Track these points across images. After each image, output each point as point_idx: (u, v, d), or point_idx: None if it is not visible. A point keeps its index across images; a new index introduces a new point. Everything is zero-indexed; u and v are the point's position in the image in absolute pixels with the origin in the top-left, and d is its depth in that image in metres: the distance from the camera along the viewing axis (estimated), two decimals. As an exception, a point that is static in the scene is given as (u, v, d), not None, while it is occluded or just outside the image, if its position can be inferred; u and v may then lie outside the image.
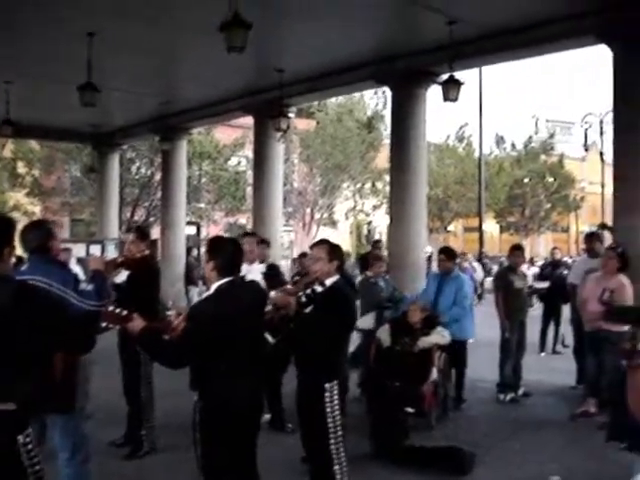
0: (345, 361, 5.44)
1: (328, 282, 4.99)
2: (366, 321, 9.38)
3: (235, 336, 4.14)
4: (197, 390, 4.22)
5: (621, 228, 9.40)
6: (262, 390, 4.66)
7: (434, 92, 12.19)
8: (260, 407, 4.49)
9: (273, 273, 7.99)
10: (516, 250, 9.98)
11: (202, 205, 31.57)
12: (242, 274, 4.64)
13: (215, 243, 4.49)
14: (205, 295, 4.48)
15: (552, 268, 13.75)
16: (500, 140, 42.11)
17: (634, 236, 9.10)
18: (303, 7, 9.73)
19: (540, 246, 46.11)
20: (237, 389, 4.14)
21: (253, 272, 7.14)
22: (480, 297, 23.33)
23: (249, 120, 16.74)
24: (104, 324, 4.14)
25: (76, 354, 4.03)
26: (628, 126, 9.39)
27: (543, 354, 13.13)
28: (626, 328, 7.30)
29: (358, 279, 10.61)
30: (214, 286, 4.27)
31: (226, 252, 4.33)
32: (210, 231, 30.89)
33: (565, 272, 12.45)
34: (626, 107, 9.40)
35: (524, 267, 10.96)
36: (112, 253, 18.24)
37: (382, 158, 30.14)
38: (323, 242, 5.23)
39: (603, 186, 33.95)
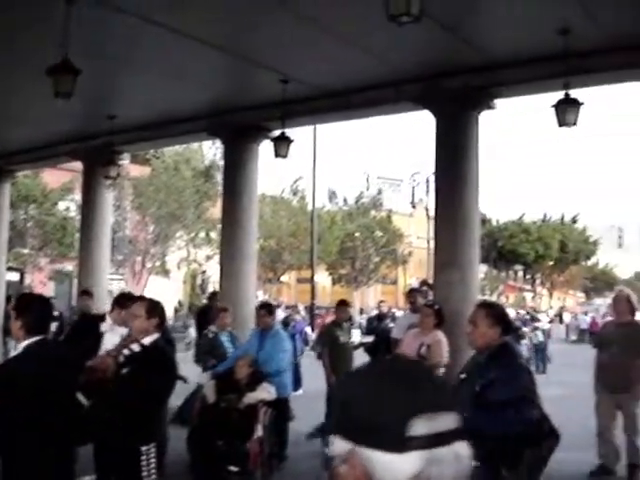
0: (164, 423, 5.29)
1: (146, 341, 4.85)
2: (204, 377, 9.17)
3: (42, 399, 3.92)
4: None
5: (440, 284, 9.86)
6: (73, 456, 4.42)
7: (271, 145, 12.40)
8: (69, 474, 4.26)
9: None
10: (341, 305, 10.19)
11: (26, 250, 30.13)
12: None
13: (23, 300, 4.29)
14: (13, 355, 4.25)
15: (378, 321, 14.15)
16: (332, 195, 43.36)
17: (451, 292, 9.57)
18: (135, 60, 9.65)
19: (370, 298, 47.47)
20: (42, 457, 3.91)
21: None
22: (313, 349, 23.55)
23: (79, 163, 16.25)
24: None
25: None
26: (447, 187, 9.94)
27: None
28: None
29: (192, 331, 10.42)
30: (22, 345, 4.06)
31: (34, 310, 4.14)
32: (35, 278, 29.45)
33: (390, 325, 12.84)
34: (444, 171, 9.97)
35: (357, 317, 11.23)
36: None
37: (218, 208, 30.10)
38: (142, 299, 5.10)
39: (429, 241, 35.66)
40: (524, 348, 23.61)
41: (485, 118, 10.51)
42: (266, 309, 9.31)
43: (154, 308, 5.00)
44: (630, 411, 8.38)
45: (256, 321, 9.47)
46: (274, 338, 9.04)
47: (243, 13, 8.13)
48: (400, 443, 1.16)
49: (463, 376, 4.69)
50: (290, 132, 11.45)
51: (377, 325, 13.87)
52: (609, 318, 13.41)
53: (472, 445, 1.22)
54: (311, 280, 32.46)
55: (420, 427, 1.16)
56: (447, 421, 1.19)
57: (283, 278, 43.31)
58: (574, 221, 77.91)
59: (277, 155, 11.00)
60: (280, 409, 8.91)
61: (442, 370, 7.83)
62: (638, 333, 8.59)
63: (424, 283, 11.55)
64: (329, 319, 15.36)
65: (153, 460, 4.76)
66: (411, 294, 10.34)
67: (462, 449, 1.20)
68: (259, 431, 8.02)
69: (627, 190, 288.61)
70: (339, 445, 1.22)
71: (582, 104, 8.78)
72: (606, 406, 8.54)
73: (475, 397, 4.43)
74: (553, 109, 8.75)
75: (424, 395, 1.21)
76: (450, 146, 9.91)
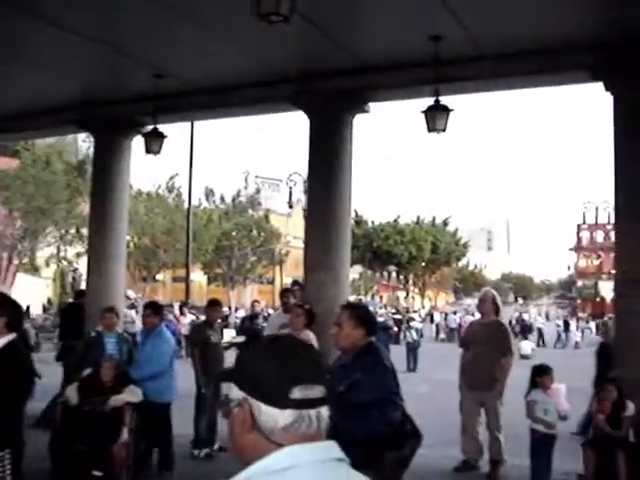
0: (21, 428, 5.03)
1: (1, 342, 4.60)
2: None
3: None
4: None
5: (312, 284, 9.92)
6: None
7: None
8: None
9: None
10: (212, 305, 10.06)
11: None
12: None
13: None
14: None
15: (250, 321, 14.10)
16: (210, 193, 42.89)
17: (324, 291, 9.64)
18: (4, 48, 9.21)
19: (247, 297, 47.35)
20: None
21: None
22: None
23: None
24: None
25: None
26: (319, 188, 10.02)
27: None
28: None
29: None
30: None
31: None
32: None
33: (263, 325, 12.83)
34: (316, 172, 10.05)
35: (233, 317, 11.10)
36: None
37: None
38: None
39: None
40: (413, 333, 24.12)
41: (365, 119, 10.65)
42: (151, 308, 9.02)
43: (9, 307, 4.74)
44: (493, 408, 8.70)
45: (142, 320, 9.19)
46: (155, 339, 8.70)
47: (113, 3, 7.87)
48: (282, 402, 1.58)
49: (327, 377, 4.69)
50: (166, 128, 11.21)
51: (249, 325, 13.81)
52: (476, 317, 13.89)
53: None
54: (186, 279, 32.04)
55: (298, 393, 1.58)
56: (317, 391, 1.61)
57: (158, 277, 42.48)
58: (445, 224, 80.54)
59: (148, 151, 10.74)
60: (158, 417, 8.45)
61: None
62: (502, 332, 8.95)
63: (296, 283, 11.60)
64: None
65: (8, 466, 4.53)
66: (284, 294, 10.37)
67: (324, 412, 1.62)
68: (125, 434, 7.79)
69: (496, 195, 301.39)
70: (236, 393, 1.64)
71: (452, 110, 9.03)
72: (470, 403, 8.83)
73: (339, 398, 4.44)
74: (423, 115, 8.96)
75: (306, 370, 1.63)
76: (323, 148, 9.98)
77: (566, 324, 43.27)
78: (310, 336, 8.14)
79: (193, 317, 27.25)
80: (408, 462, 4.75)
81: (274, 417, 1.58)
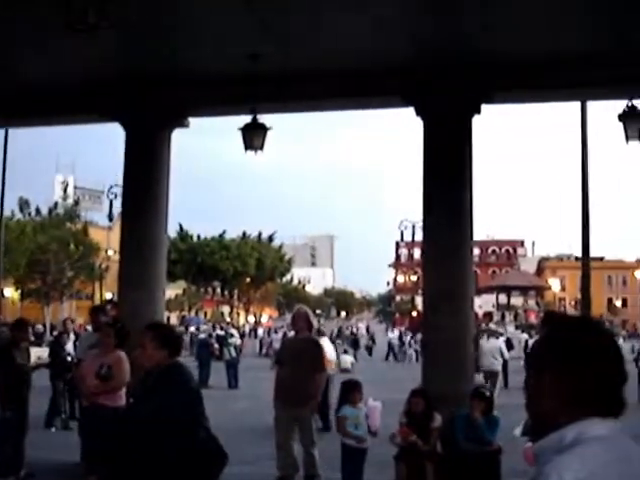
0: None
1: None
2: None
3: None
4: None
5: (126, 301, 9.64)
6: None
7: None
8: None
9: None
10: (19, 324, 9.54)
11: None
12: None
13: None
14: None
15: (56, 340, 13.59)
16: (25, 204, 40.83)
17: (139, 309, 9.38)
18: None
19: (64, 314, 45.42)
20: None
21: None
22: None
23: None
24: None
25: None
26: (134, 203, 9.81)
27: (53, 429, 12.71)
28: (123, 403, 7.43)
29: None
30: None
31: None
32: None
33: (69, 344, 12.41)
34: (132, 187, 9.84)
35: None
36: None
37: None
38: None
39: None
40: None
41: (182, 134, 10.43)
42: None
43: None
44: (306, 424, 8.79)
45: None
46: None
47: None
48: None
49: (131, 400, 4.56)
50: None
51: (55, 344, 13.27)
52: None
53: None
54: (-2, 294, 30.26)
55: None
56: None
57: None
58: (271, 239, 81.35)
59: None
60: None
61: (124, 390, 7.65)
62: (315, 348, 9.07)
63: (109, 301, 11.25)
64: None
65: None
66: (94, 312, 9.98)
67: None
68: None
69: (320, 211, 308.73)
70: None
71: (269, 129, 9.11)
72: (285, 419, 8.88)
73: (143, 419, 4.32)
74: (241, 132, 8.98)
75: None
76: (139, 162, 9.77)
77: (401, 337, 44.14)
78: (122, 356, 7.88)
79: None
80: (215, 480, 4.69)
81: None
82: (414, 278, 63.81)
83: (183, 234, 71.41)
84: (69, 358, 12.75)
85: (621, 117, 8.98)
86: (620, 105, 9.09)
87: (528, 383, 1.87)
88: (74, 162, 63.10)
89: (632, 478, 1.67)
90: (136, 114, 9.71)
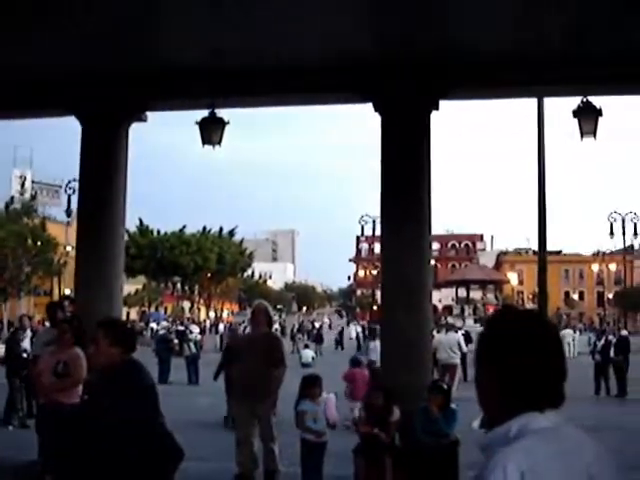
0: None
1: None
2: None
3: None
4: None
5: (83, 297, 9.54)
6: None
7: None
8: None
9: None
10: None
11: None
12: None
13: None
14: None
15: (12, 337, 13.43)
16: (-21, 199, 40.16)
17: (96, 305, 9.28)
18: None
19: (22, 310, 44.76)
20: None
21: None
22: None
23: None
24: None
25: None
26: (91, 198, 9.70)
27: (10, 427, 12.56)
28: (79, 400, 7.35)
29: None
30: None
31: None
32: None
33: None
34: (91, 182, 9.70)
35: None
36: None
37: None
38: None
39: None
40: None
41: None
42: None
43: None
44: (266, 419, 8.77)
45: None
46: None
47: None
48: None
49: (86, 397, 4.53)
50: None
51: (11, 341, 13.11)
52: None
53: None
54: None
55: None
56: None
57: None
58: (232, 234, 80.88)
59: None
60: None
61: (80, 387, 7.57)
62: (274, 343, 9.07)
63: (67, 297, 11.11)
64: None
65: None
66: (51, 308, 9.85)
67: None
68: None
69: (281, 206, 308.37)
70: None
71: (227, 123, 9.06)
72: (244, 415, 8.85)
73: (98, 417, 4.29)
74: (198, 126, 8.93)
75: None
76: (95, 156, 9.64)
77: (372, 332, 44.06)
78: (78, 353, 7.80)
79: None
80: (171, 478, 4.67)
81: None
82: (375, 272, 64.03)
83: (143, 229, 70.65)
84: (25, 355, 12.61)
85: (576, 113, 9.12)
86: (575, 102, 9.26)
87: (476, 378, 1.91)
88: (32, 156, 61.93)
89: (575, 468, 1.71)
90: (93, 108, 9.57)
